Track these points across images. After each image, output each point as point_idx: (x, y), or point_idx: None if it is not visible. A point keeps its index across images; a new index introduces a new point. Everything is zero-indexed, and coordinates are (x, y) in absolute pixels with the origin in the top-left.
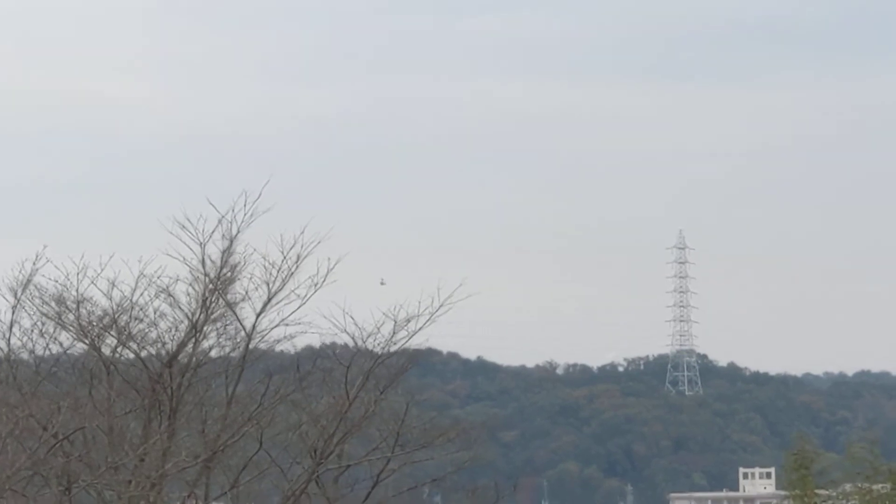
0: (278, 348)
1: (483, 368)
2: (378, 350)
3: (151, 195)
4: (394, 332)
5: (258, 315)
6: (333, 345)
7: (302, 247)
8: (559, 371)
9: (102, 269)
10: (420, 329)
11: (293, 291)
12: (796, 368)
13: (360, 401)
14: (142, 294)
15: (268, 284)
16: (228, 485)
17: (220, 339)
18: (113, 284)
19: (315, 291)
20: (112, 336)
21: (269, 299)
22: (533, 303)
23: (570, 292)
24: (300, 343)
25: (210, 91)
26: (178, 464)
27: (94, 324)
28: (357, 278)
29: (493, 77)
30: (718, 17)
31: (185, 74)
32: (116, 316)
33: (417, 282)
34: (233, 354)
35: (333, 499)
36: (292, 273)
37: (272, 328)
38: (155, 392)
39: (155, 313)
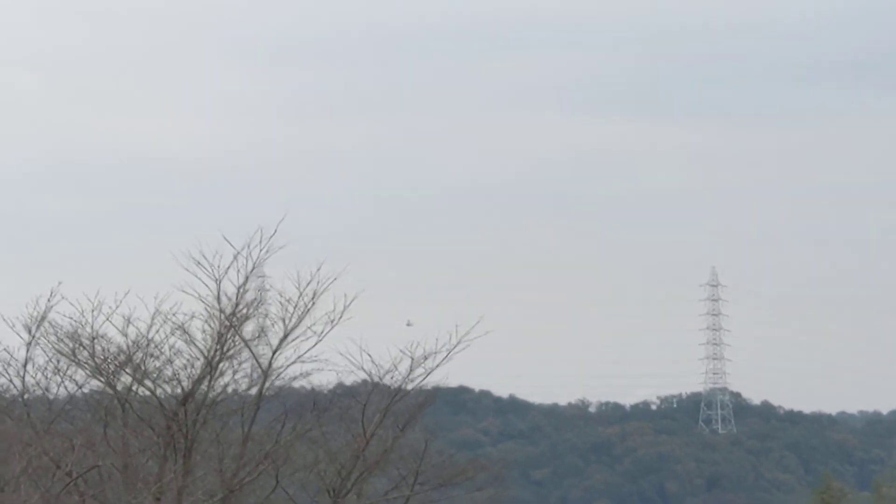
0: (295, 385)
1: (515, 406)
2: (395, 387)
3: (167, 230)
4: (411, 370)
5: (274, 352)
6: (349, 384)
7: (318, 283)
8: (591, 409)
9: (117, 306)
10: (438, 366)
11: (309, 328)
12: (831, 407)
13: (379, 438)
14: (157, 331)
15: (284, 321)
16: None
17: (236, 377)
18: (128, 321)
19: (331, 328)
20: (127, 373)
21: (286, 336)
22: (565, 341)
23: (603, 330)
24: (316, 380)
25: (228, 124)
26: (194, 503)
27: (110, 361)
28: (374, 315)
29: (520, 116)
30: (750, 56)
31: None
32: (132, 353)
33: (442, 319)
34: (249, 392)
35: None
36: (308, 310)
37: (288, 365)
38: (170, 430)
39: (170, 350)
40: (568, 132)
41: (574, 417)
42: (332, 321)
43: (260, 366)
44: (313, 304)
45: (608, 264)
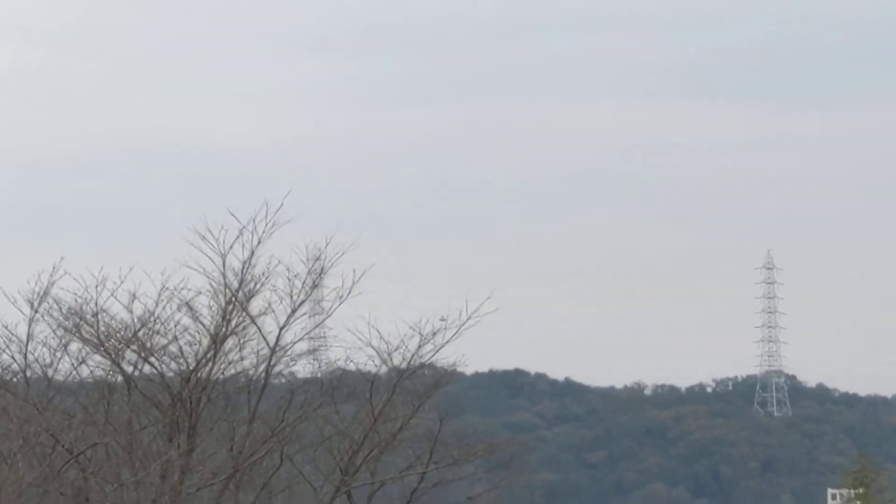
0: (302, 362)
1: (571, 389)
2: (403, 365)
3: (173, 207)
4: (420, 346)
5: (281, 328)
6: (359, 363)
7: (326, 258)
8: (647, 392)
9: (122, 282)
10: (447, 342)
11: (318, 304)
12: (886, 389)
13: (392, 418)
14: (163, 308)
15: (291, 297)
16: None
17: (242, 353)
18: (134, 297)
19: (340, 304)
20: (133, 350)
21: (293, 312)
22: (621, 324)
23: (659, 313)
24: (324, 357)
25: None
26: (198, 482)
27: (114, 337)
28: (386, 291)
29: (578, 102)
30: (812, 39)
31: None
32: (137, 330)
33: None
34: (255, 369)
35: None
36: (316, 285)
37: (296, 342)
38: (174, 408)
39: (176, 327)
40: (626, 117)
41: (629, 400)
42: (340, 297)
43: (267, 342)
44: (321, 279)
45: (665, 248)
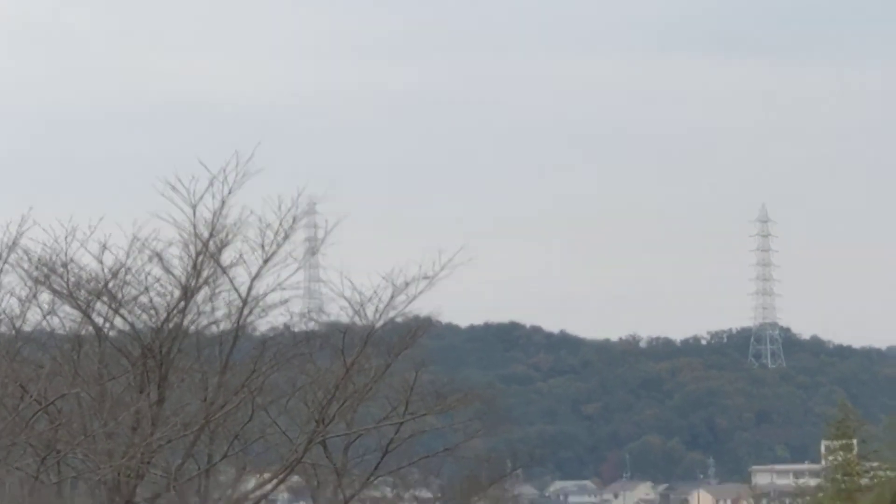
0: (274, 313)
1: (566, 342)
2: (375, 316)
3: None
4: (392, 297)
5: (253, 279)
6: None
7: (299, 209)
8: (642, 344)
9: (92, 232)
10: (420, 293)
11: (290, 254)
12: (881, 341)
13: (364, 367)
14: (134, 259)
15: (263, 247)
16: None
17: (214, 304)
18: (104, 247)
19: (312, 254)
20: (103, 301)
21: (265, 262)
22: (616, 277)
23: (654, 266)
24: (297, 309)
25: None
26: (169, 433)
27: (84, 288)
28: (361, 242)
29: (563, 51)
30: None
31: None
32: (107, 280)
33: (489, 258)
34: (227, 320)
35: (342, 468)
36: (288, 235)
37: (268, 293)
38: (145, 359)
39: (147, 278)
40: (619, 70)
41: (624, 353)
42: (312, 248)
43: (238, 293)
44: (293, 229)
45: (658, 201)
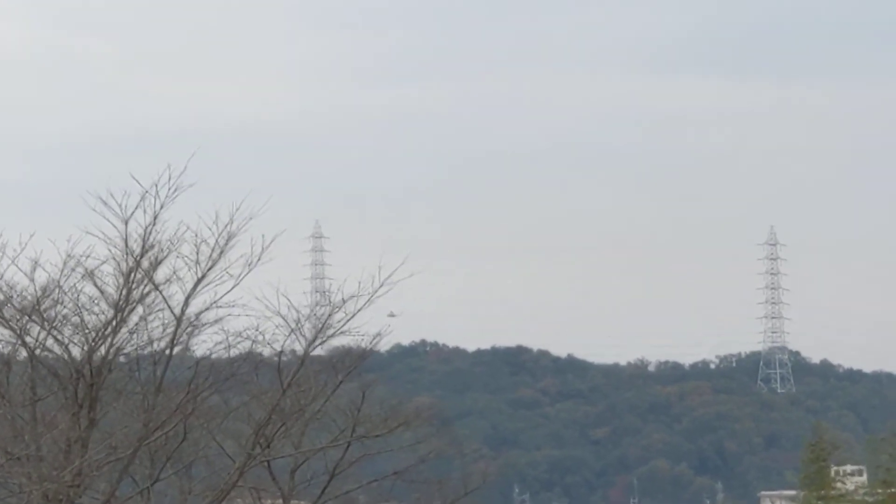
0: (209, 331)
1: (573, 366)
2: (312, 335)
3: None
4: (329, 314)
5: (187, 297)
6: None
7: (236, 224)
8: (651, 368)
9: (23, 249)
10: (359, 310)
11: (225, 271)
12: (891, 365)
13: (303, 387)
14: (67, 277)
15: (198, 264)
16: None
17: (149, 325)
18: (36, 264)
19: (249, 271)
20: (34, 321)
21: (200, 280)
22: (624, 300)
23: (663, 289)
24: (233, 327)
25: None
26: (98, 456)
27: (15, 307)
28: (297, 259)
29: (571, 71)
30: (813, 13)
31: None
32: (39, 299)
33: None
34: (160, 340)
35: (289, 492)
36: (223, 252)
37: (203, 311)
38: (76, 381)
39: (78, 297)
40: (629, 91)
41: (633, 377)
42: (249, 264)
43: (172, 311)
44: (228, 245)
45: (667, 224)
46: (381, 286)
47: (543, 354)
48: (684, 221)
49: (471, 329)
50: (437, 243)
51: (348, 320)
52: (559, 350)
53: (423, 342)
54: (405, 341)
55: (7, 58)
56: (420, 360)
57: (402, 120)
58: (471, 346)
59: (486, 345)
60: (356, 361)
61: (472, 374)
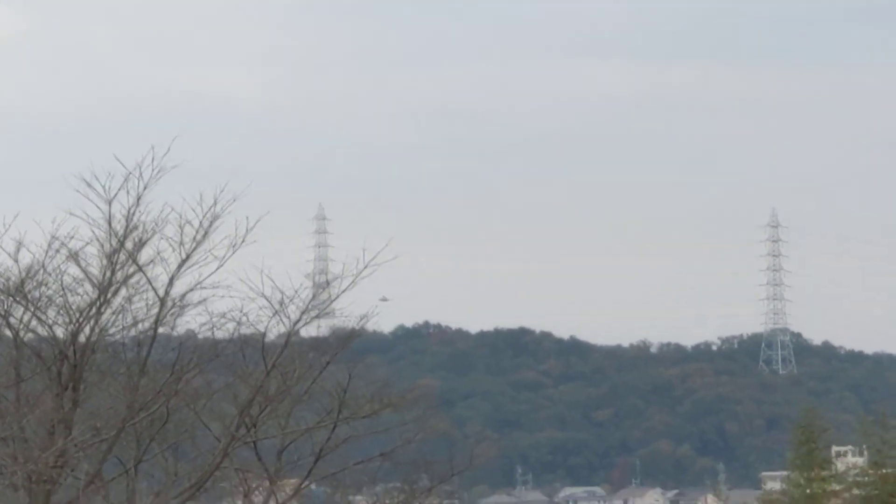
0: (193, 313)
1: (576, 348)
2: (297, 316)
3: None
4: (314, 296)
5: (171, 278)
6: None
7: (220, 206)
8: (653, 350)
9: (7, 230)
10: (343, 291)
11: (210, 252)
12: (893, 346)
13: (288, 368)
14: (52, 258)
15: (181, 245)
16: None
17: (132, 305)
18: (20, 245)
19: (233, 252)
20: (18, 302)
21: (184, 261)
22: (626, 282)
23: (665, 271)
24: (217, 308)
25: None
26: (88, 438)
27: (1, 290)
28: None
29: (583, 59)
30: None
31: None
32: (23, 280)
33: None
34: (144, 321)
35: (276, 473)
36: (208, 233)
37: (187, 292)
38: (60, 362)
39: (62, 278)
40: (625, 78)
41: (635, 359)
42: (233, 245)
43: (156, 292)
44: (212, 226)
45: (669, 207)
46: (364, 268)
47: (546, 336)
48: (686, 204)
49: (473, 311)
50: (442, 227)
51: (331, 301)
52: (562, 332)
53: (426, 324)
54: (408, 323)
55: None
56: (423, 341)
57: (413, 108)
58: (473, 328)
59: (488, 326)
60: (342, 343)
61: (474, 355)
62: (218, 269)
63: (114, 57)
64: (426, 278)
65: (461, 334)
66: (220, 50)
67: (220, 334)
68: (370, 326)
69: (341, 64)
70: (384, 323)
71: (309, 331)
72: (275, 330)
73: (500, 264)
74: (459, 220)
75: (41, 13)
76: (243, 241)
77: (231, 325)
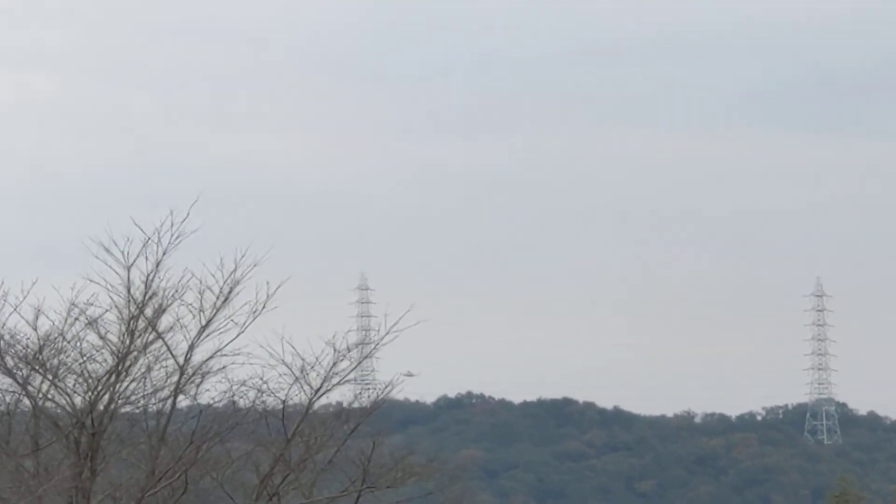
0: (213, 380)
1: (619, 418)
2: (318, 383)
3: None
4: (335, 363)
5: (191, 345)
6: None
7: (240, 271)
8: (697, 420)
9: (25, 297)
10: (365, 357)
11: (230, 318)
12: None
13: (309, 437)
14: (70, 325)
15: (201, 311)
16: None
17: (151, 373)
18: (39, 312)
19: (254, 319)
20: (37, 371)
21: (204, 327)
22: (671, 353)
23: (709, 341)
24: (237, 376)
25: None
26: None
27: (17, 356)
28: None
29: (622, 126)
30: (853, 67)
31: None
32: (40, 348)
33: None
34: (163, 390)
35: None
36: (228, 299)
37: (207, 359)
38: (79, 431)
39: (81, 346)
40: (668, 143)
41: (679, 429)
42: (254, 312)
43: (175, 360)
44: (233, 292)
45: (715, 276)
46: (385, 335)
47: (589, 406)
48: (731, 273)
49: (517, 381)
50: (486, 296)
51: (353, 369)
52: (605, 402)
53: (469, 394)
54: (451, 393)
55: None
56: (465, 411)
57: (447, 172)
58: (517, 398)
59: (531, 396)
60: (366, 412)
61: (518, 425)
62: (238, 335)
63: (149, 121)
64: (469, 348)
65: (504, 404)
66: (256, 116)
67: (240, 402)
68: (413, 397)
69: (373, 132)
70: (427, 393)
71: (352, 400)
72: (296, 398)
73: (543, 334)
74: (503, 291)
75: (70, 73)
76: (264, 307)
77: (252, 393)
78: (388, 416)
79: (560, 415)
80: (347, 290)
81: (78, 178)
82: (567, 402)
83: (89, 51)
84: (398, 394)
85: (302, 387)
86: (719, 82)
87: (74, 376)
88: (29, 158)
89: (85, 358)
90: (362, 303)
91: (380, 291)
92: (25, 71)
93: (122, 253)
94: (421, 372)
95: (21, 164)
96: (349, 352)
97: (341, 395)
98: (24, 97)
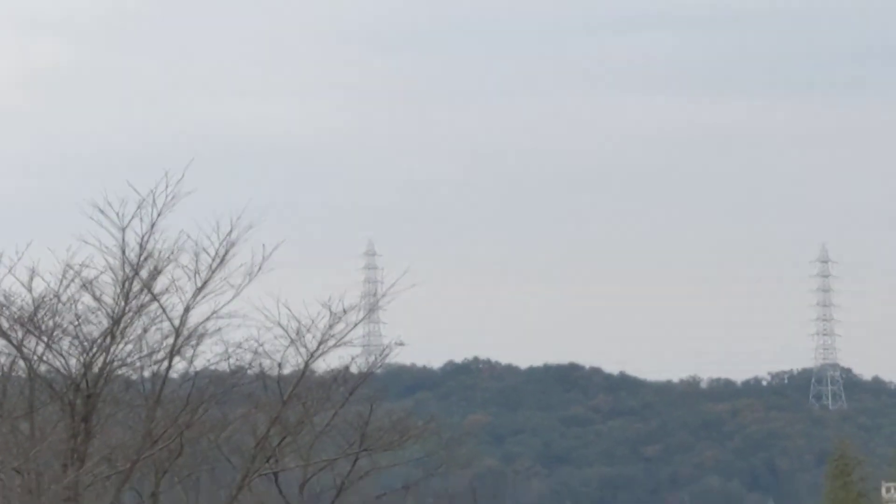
0: (209, 342)
1: (625, 383)
2: (314, 345)
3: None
4: (330, 325)
5: (187, 307)
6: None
7: (236, 233)
8: (703, 385)
9: (19, 258)
10: (361, 321)
11: (225, 280)
12: None
13: (306, 399)
14: (66, 287)
15: (197, 273)
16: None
17: (146, 334)
18: (34, 274)
19: (249, 280)
20: (31, 333)
21: (199, 289)
22: (677, 318)
23: (715, 307)
24: (232, 338)
25: None
26: (103, 470)
27: (11, 318)
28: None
29: (630, 94)
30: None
31: None
32: (35, 310)
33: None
34: (159, 351)
35: None
36: (224, 260)
37: (203, 321)
38: (73, 394)
39: (76, 307)
40: (676, 111)
41: (685, 394)
42: (249, 273)
43: (171, 322)
44: (229, 254)
45: (720, 242)
46: (381, 298)
47: (595, 371)
48: (736, 239)
49: (523, 346)
50: (493, 262)
51: (348, 332)
52: (611, 367)
53: (476, 359)
54: (458, 359)
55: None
56: (472, 377)
57: (459, 141)
58: (523, 364)
59: (538, 362)
60: (363, 376)
61: (524, 391)
62: (234, 298)
63: (169, 92)
64: (475, 314)
65: (511, 370)
66: (268, 84)
67: (236, 365)
68: (420, 362)
69: (387, 99)
70: (433, 359)
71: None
72: (293, 360)
73: (550, 299)
74: (512, 257)
75: (87, 44)
76: (259, 269)
77: (248, 356)
78: (395, 381)
79: (566, 380)
80: (355, 256)
81: (82, 142)
82: (573, 368)
83: (93, 15)
84: (405, 359)
85: (298, 349)
86: (716, 45)
87: (69, 338)
88: (36, 126)
89: (80, 320)
90: (369, 268)
91: (387, 257)
92: (30, 35)
93: (117, 214)
94: (429, 337)
95: (27, 130)
96: (345, 313)
97: (347, 359)
98: (29, 63)
